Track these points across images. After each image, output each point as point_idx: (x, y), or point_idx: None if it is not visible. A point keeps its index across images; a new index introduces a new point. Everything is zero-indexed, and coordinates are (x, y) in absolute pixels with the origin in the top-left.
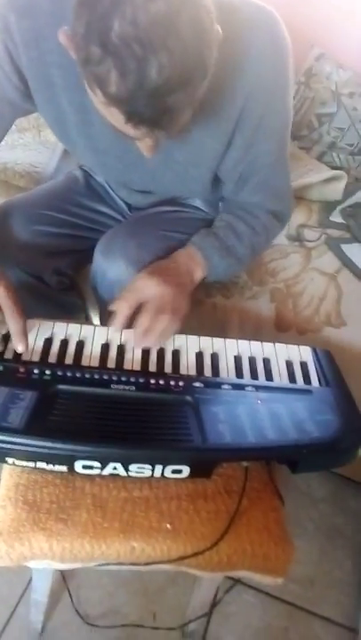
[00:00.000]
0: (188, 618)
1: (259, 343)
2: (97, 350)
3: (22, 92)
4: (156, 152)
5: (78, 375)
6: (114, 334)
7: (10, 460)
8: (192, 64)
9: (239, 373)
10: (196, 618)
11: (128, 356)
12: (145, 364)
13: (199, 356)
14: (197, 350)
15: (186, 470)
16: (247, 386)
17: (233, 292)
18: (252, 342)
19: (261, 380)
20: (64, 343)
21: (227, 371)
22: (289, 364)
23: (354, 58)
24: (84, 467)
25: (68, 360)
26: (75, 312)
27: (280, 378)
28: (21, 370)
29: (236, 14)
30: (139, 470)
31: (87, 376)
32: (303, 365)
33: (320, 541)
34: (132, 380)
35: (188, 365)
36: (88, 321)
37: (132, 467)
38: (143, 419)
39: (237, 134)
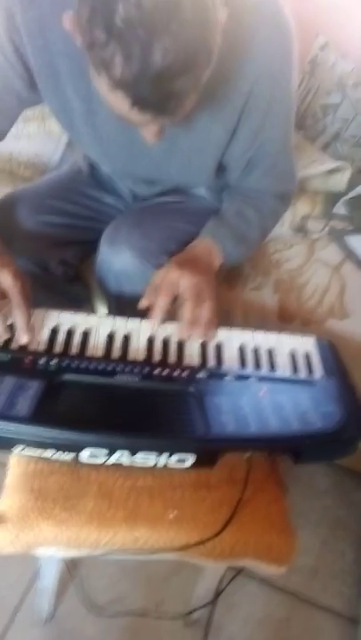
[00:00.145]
0: (191, 607)
1: (262, 334)
2: (102, 340)
3: (28, 82)
4: (161, 139)
5: (84, 365)
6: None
7: (17, 448)
8: (196, 48)
9: (243, 364)
10: (199, 607)
11: (133, 346)
12: (149, 355)
13: (203, 346)
14: (201, 341)
15: (190, 459)
16: (251, 376)
17: (237, 282)
18: (256, 333)
19: (265, 370)
20: (70, 333)
21: (230, 361)
22: (292, 355)
23: (359, 48)
24: (91, 455)
25: (74, 350)
26: (80, 302)
27: (283, 369)
28: (27, 359)
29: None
30: (144, 458)
31: (92, 366)
32: (307, 356)
33: (323, 532)
34: (137, 370)
35: (192, 356)
36: (93, 311)
37: (138, 455)
38: (147, 408)
39: (244, 120)
